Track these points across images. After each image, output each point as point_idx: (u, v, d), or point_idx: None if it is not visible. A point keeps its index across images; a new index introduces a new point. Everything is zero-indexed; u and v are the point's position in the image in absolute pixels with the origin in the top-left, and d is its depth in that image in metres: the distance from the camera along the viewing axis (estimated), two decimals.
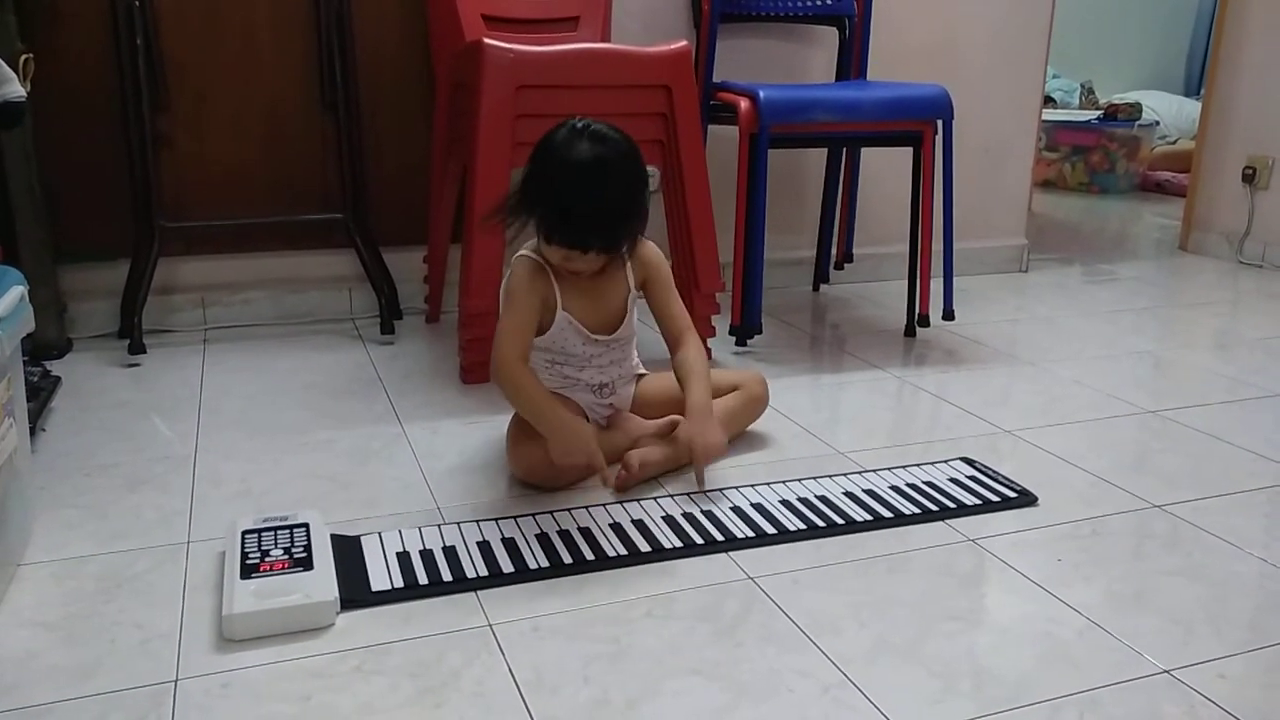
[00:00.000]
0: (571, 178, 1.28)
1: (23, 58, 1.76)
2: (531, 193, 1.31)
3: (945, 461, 1.48)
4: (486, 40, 1.68)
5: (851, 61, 2.36)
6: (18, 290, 1.10)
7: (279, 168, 2.10)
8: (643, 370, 1.56)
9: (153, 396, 1.72)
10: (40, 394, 1.56)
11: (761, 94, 1.88)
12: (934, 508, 1.33)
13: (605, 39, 2.13)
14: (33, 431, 1.47)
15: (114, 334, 2.01)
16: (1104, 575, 1.18)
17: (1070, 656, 1.02)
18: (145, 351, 1.90)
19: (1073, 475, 1.46)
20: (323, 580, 1.08)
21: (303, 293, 2.18)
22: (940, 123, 2.00)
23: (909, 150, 2.05)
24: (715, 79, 2.18)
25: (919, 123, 1.99)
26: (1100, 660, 1.02)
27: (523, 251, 1.40)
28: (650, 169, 2.31)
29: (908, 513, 1.32)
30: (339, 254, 2.16)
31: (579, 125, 1.31)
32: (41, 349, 1.88)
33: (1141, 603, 1.13)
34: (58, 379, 1.67)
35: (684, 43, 1.80)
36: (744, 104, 1.91)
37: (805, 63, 2.44)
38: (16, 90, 1.61)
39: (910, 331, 2.15)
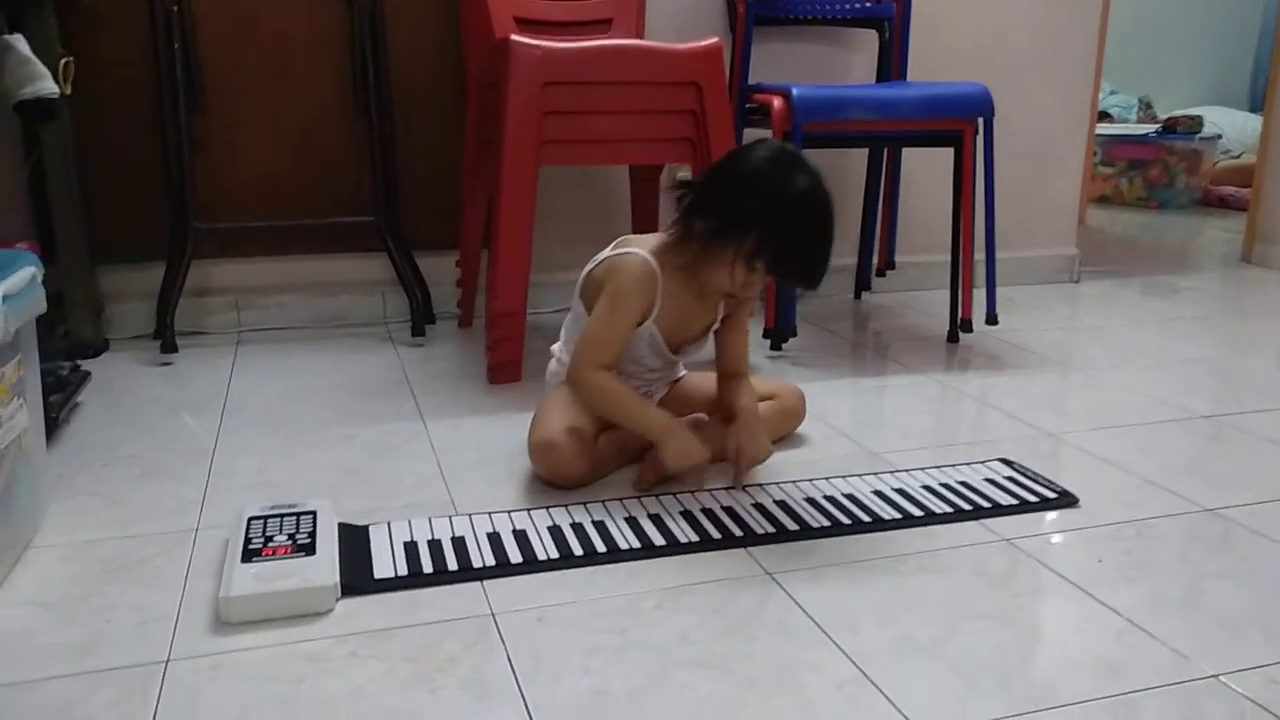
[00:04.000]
0: (820, 218, 1.26)
1: (63, 61, 1.79)
2: (767, 225, 1.24)
3: (982, 462, 1.42)
4: (514, 37, 1.67)
5: (891, 65, 2.31)
6: (29, 271, 1.10)
7: (312, 171, 2.11)
8: (680, 373, 1.53)
9: (181, 394, 1.72)
10: (67, 387, 1.57)
11: (795, 91, 1.84)
12: (967, 507, 1.27)
13: None
14: (56, 421, 1.48)
15: (150, 335, 2.03)
16: (1148, 577, 1.11)
17: (1108, 658, 0.95)
18: (177, 351, 1.91)
19: (1118, 478, 1.39)
20: (324, 565, 1.05)
21: (335, 296, 2.18)
22: (981, 121, 1.94)
23: (951, 157, 1.98)
24: (751, 82, 2.15)
25: (959, 121, 1.93)
26: (1140, 663, 0.95)
27: (635, 250, 1.34)
28: (682, 168, 2.30)
29: (939, 512, 1.25)
30: (372, 258, 2.16)
31: (790, 152, 1.29)
32: (78, 348, 1.90)
33: (1188, 606, 1.05)
34: (87, 374, 1.67)
35: (715, 39, 1.78)
36: (777, 102, 1.87)
37: (844, 66, 2.40)
38: (50, 87, 1.64)
39: (953, 337, 2.08)
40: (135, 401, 1.68)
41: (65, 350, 1.86)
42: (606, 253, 1.39)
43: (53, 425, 1.47)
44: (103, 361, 1.90)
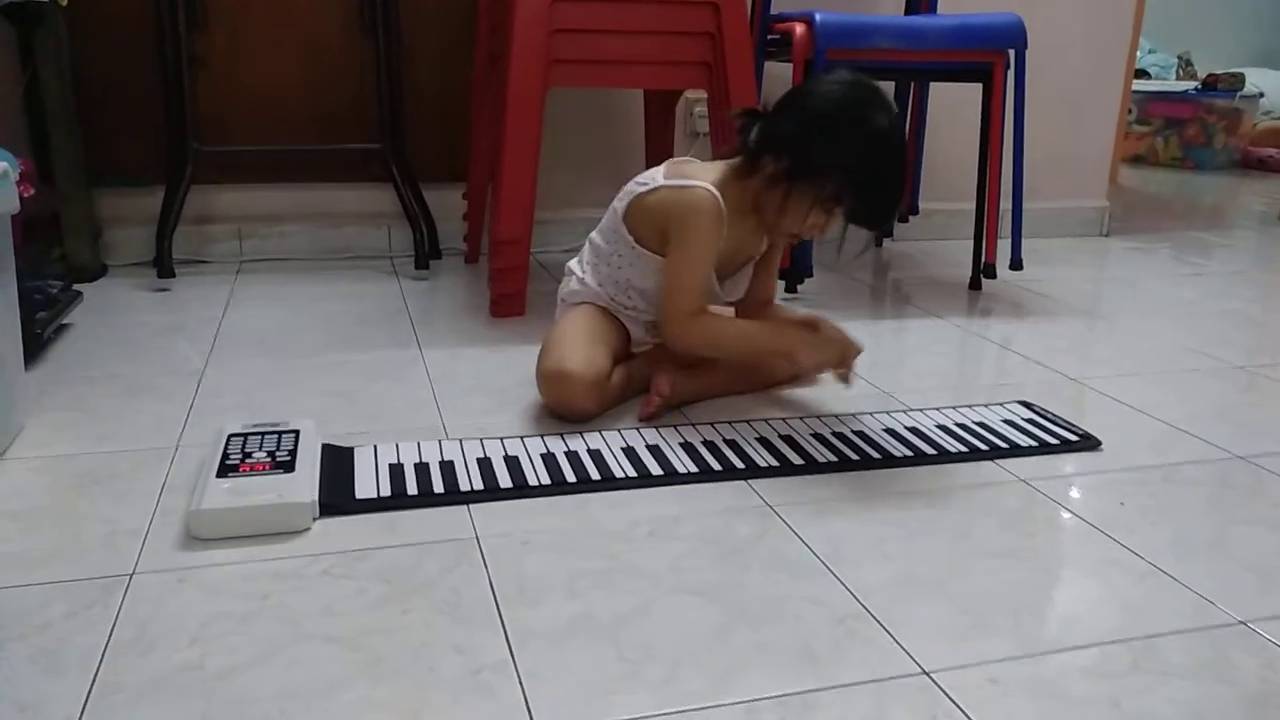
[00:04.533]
0: (901, 158, 1.21)
1: None
2: (850, 169, 1.18)
3: (1001, 404, 1.35)
4: None
5: (921, 0, 2.22)
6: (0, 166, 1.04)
7: (316, 93, 2.05)
8: None
9: (174, 318, 1.67)
10: (56, 305, 1.52)
11: (818, 17, 1.76)
12: (983, 447, 1.20)
13: None
14: (42, 338, 1.43)
15: (149, 262, 1.98)
16: (1174, 522, 1.04)
17: (1128, 600, 0.89)
18: (174, 276, 1.87)
19: (1145, 423, 1.32)
20: (302, 483, 1.00)
21: (340, 228, 2.12)
22: (1012, 54, 1.84)
23: (980, 102, 1.89)
24: (774, 13, 2.06)
25: (989, 52, 1.84)
26: (1163, 606, 0.89)
27: (703, 185, 1.26)
28: (699, 101, 2.21)
29: (953, 451, 1.19)
30: (377, 188, 2.10)
31: (867, 84, 1.21)
32: (75, 272, 1.85)
33: (1216, 551, 0.99)
34: (78, 294, 1.63)
35: None
36: (799, 28, 1.79)
37: (873, 1, 2.30)
38: None
39: (975, 284, 2.01)
40: (127, 324, 1.63)
41: (61, 274, 1.81)
42: (660, 179, 1.30)
43: (38, 342, 1.43)
44: (99, 285, 1.86)
